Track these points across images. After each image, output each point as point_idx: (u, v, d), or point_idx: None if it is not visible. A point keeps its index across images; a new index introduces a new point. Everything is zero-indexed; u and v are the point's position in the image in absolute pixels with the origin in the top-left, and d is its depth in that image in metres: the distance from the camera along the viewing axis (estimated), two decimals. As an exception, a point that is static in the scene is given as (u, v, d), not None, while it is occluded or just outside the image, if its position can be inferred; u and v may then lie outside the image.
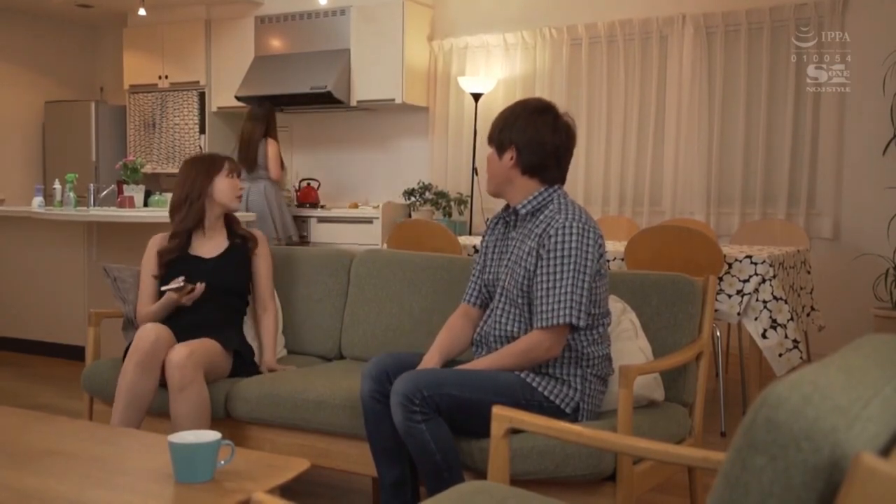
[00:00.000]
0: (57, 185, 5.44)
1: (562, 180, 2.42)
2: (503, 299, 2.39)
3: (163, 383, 2.71)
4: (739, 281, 3.72)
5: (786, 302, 3.70)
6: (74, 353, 5.04)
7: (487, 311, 2.46)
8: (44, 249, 5.37)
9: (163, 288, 2.92)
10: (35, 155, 8.11)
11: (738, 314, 3.72)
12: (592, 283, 2.27)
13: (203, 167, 3.10)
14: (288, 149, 7.44)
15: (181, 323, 2.88)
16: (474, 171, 6.32)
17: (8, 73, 7.86)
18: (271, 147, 6.04)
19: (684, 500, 2.73)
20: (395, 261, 3.18)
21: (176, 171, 7.41)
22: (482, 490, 1.73)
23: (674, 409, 2.53)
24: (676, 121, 5.83)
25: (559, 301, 2.23)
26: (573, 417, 2.30)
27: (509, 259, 2.40)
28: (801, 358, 3.68)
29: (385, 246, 4.90)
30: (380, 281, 3.15)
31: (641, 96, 5.95)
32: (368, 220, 6.46)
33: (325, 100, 6.66)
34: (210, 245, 3.08)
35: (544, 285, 2.26)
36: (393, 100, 6.54)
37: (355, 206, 6.82)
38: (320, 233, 6.63)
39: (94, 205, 5.49)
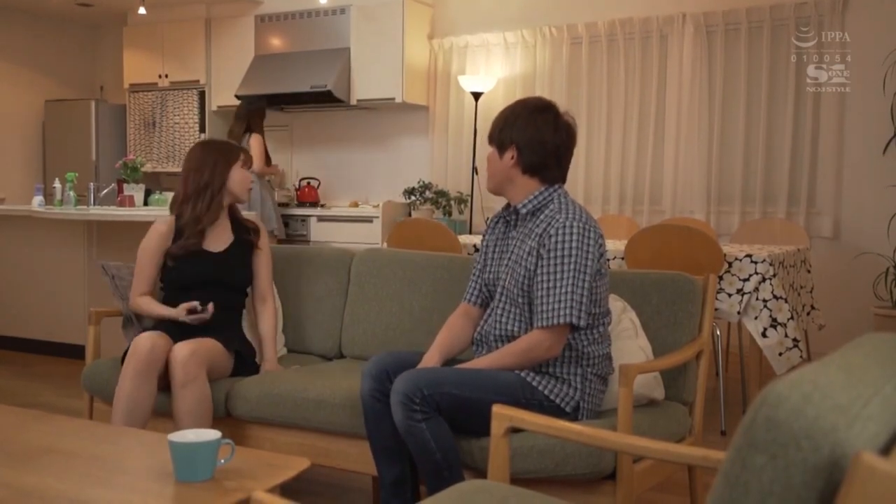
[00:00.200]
0: (57, 184, 5.44)
1: (562, 179, 2.42)
2: (503, 299, 2.39)
3: (161, 387, 2.70)
4: (739, 280, 3.72)
5: (786, 301, 3.70)
6: (74, 352, 5.04)
7: (488, 311, 2.46)
8: (44, 248, 5.37)
9: (184, 318, 2.84)
10: (35, 154, 8.11)
11: (739, 313, 3.72)
12: (593, 283, 2.27)
13: (223, 155, 3.01)
14: (288, 148, 7.44)
15: (183, 322, 2.86)
16: (474, 170, 6.32)
17: (8, 72, 7.86)
18: (254, 141, 6.08)
19: (684, 499, 2.73)
20: (395, 260, 3.18)
21: (176, 169, 7.44)
22: (482, 489, 1.73)
23: (674, 407, 2.53)
24: (677, 120, 5.83)
25: (559, 301, 2.23)
26: (573, 416, 2.30)
27: (510, 258, 2.40)
28: (801, 357, 3.68)
29: (385, 245, 4.90)
30: (380, 280, 3.15)
31: (642, 95, 5.94)
32: (368, 219, 6.46)
33: (325, 99, 6.66)
34: (217, 238, 3.01)
35: (545, 285, 2.26)
36: (393, 99, 6.54)
37: (355, 205, 6.82)
38: (320, 232, 6.63)
39: (94, 204, 5.49)
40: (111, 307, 3.19)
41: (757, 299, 3.69)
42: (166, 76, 7.59)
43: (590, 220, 2.31)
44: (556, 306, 2.23)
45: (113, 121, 7.85)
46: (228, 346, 2.84)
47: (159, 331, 2.80)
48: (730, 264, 3.74)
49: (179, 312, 2.86)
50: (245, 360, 2.92)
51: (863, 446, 0.88)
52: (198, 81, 7.46)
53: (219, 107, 7.36)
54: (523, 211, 2.38)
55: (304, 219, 6.70)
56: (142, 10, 6.95)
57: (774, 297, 3.67)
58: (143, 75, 7.70)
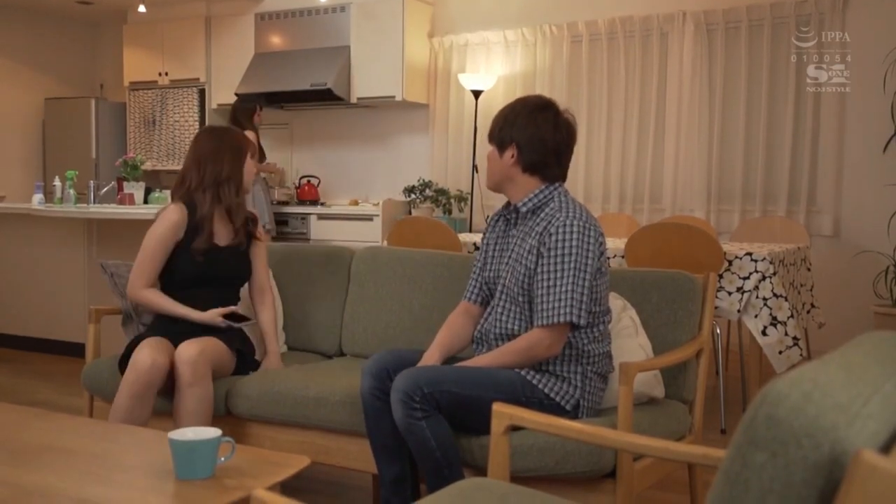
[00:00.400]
0: (57, 182, 5.45)
1: (563, 178, 2.42)
2: (504, 297, 2.39)
3: (160, 391, 2.68)
4: (739, 278, 3.72)
5: (786, 299, 3.70)
6: (74, 350, 5.04)
7: (488, 309, 2.46)
8: (44, 246, 5.37)
9: (220, 323, 2.80)
10: (35, 152, 8.11)
11: (739, 311, 3.72)
12: (593, 282, 2.27)
13: (240, 147, 2.95)
14: (288, 146, 7.44)
15: (186, 322, 2.84)
16: (474, 168, 6.32)
17: (8, 70, 7.86)
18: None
19: (684, 497, 2.73)
20: (395, 258, 3.18)
21: (176, 167, 7.44)
22: (482, 487, 1.73)
23: (674, 406, 2.53)
24: (677, 118, 5.83)
25: (560, 299, 2.23)
26: (573, 414, 2.30)
27: (510, 257, 2.40)
28: (801, 355, 3.68)
29: (385, 243, 4.90)
30: (380, 278, 3.15)
31: (642, 93, 5.94)
32: (368, 218, 6.46)
33: (325, 97, 6.66)
34: (220, 232, 2.95)
35: (545, 283, 2.25)
36: (393, 97, 6.54)
37: (355, 203, 6.82)
38: (320, 230, 6.63)
39: (94, 202, 5.49)
40: (111, 305, 3.19)
41: (757, 297, 3.69)
42: (166, 74, 7.59)
43: (590, 219, 2.31)
44: (557, 305, 2.23)
45: (113, 119, 7.85)
46: (231, 344, 2.83)
47: (157, 336, 2.75)
48: (730, 262, 3.74)
49: (213, 318, 2.80)
50: (245, 358, 2.92)
51: (863, 444, 0.88)
52: (198, 79, 7.46)
53: (219, 105, 7.36)
54: (523, 209, 2.38)
55: (304, 217, 6.69)
56: (142, 8, 6.95)
57: (774, 295, 3.67)
58: (143, 73, 7.70)
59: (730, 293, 3.73)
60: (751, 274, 3.70)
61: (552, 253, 2.26)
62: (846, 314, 5.09)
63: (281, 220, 6.67)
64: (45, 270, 5.37)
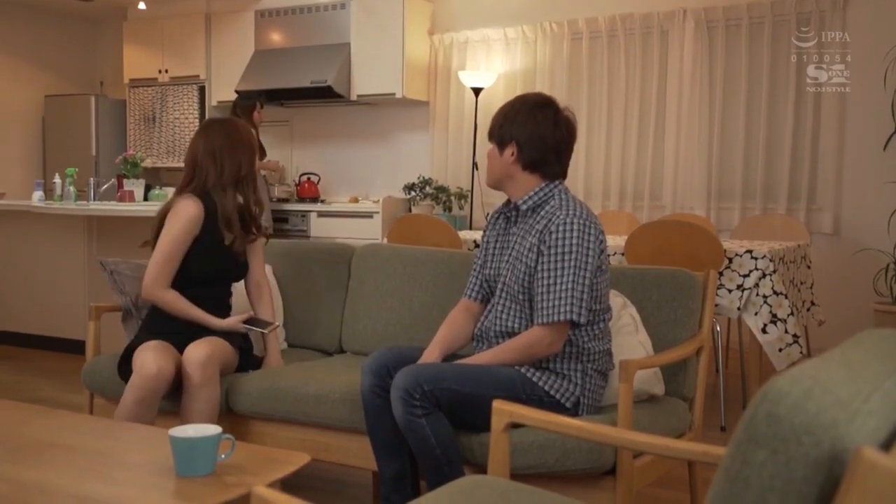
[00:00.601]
0: (57, 180, 5.44)
1: (563, 175, 2.42)
2: (504, 295, 2.39)
3: (164, 394, 2.68)
4: (740, 276, 3.72)
5: (786, 297, 3.70)
6: (74, 348, 5.04)
7: (488, 307, 2.46)
8: (44, 244, 5.37)
9: (241, 329, 2.79)
10: (35, 149, 8.11)
11: (739, 309, 3.72)
12: (593, 279, 2.27)
13: (253, 146, 2.90)
14: (288, 143, 7.44)
15: (182, 320, 2.82)
16: (475, 165, 6.31)
17: (8, 66, 7.85)
18: None
19: (684, 495, 2.73)
20: (395, 255, 3.18)
21: (178, 165, 7.45)
22: (482, 484, 1.74)
23: (674, 403, 2.53)
24: (677, 115, 5.83)
25: (560, 297, 2.23)
26: (573, 412, 2.30)
27: (510, 255, 2.40)
28: (801, 353, 3.68)
29: (385, 240, 4.90)
30: (380, 275, 3.15)
31: (642, 91, 5.94)
32: (368, 215, 6.46)
33: (325, 94, 6.65)
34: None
35: (545, 281, 2.25)
36: (393, 94, 6.53)
37: (355, 200, 6.81)
38: (320, 227, 6.63)
39: (94, 199, 5.50)
40: (111, 302, 3.19)
41: (757, 295, 3.69)
42: (166, 71, 7.58)
43: (590, 217, 2.31)
44: (557, 303, 2.23)
45: (113, 116, 7.85)
46: (234, 343, 2.83)
47: (155, 337, 2.72)
48: (730, 260, 3.74)
49: (235, 325, 2.78)
50: (247, 355, 2.92)
51: (863, 441, 0.88)
52: (198, 77, 7.46)
53: (219, 102, 7.36)
54: (524, 207, 2.38)
55: (304, 214, 6.69)
56: (142, 5, 6.95)
57: (774, 293, 3.67)
58: (143, 70, 7.69)
59: (730, 291, 3.73)
60: (751, 271, 3.70)
61: (552, 251, 2.26)
62: (846, 312, 5.09)
63: (281, 218, 6.67)
64: (45, 268, 5.37)
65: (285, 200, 6.88)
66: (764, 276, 3.68)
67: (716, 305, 3.58)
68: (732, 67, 5.65)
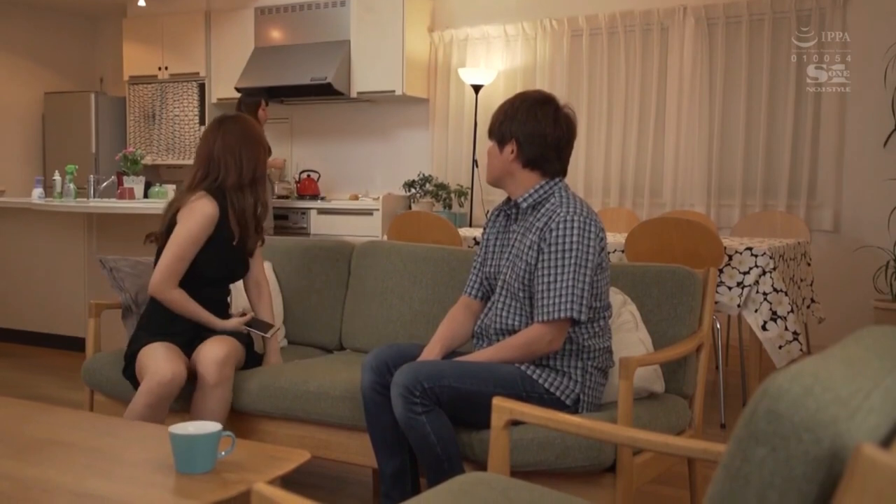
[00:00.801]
0: (57, 177, 5.44)
1: (563, 173, 2.41)
2: (504, 292, 2.39)
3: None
4: (740, 273, 3.72)
5: (786, 294, 3.70)
6: (75, 345, 5.04)
7: (488, 304, 2.46)
8: (44, 241, 5.37)
9: (243, 330, 2.79)
10: (35, 146, 8.11)
11: (739, 306, 3.72)
12: (594, 277, 2.27)
13: (263, 139, 2.88)
14: (288, 140, 7.43)
15: (184, 319, 2.80)
16: (475, 162, 6.31)
17: (7, 63, 7.84)
18: None
19: (684, 492, 2.73)
20: (395, 252, 3.18)
21: (177, 162, 7.45)
22: (482, 481, 1.74)
23: (674, 400, 2.53)
24: (677, 112, 5.82)
25: (560, 295, 2.23)
26: (573, 409, 2.30)
27: (510, 252, 2.40)
28: (800, 350, 3.68)
29: (385, 238, 4.90)
30: (380, 272, 3.15)
31: (642, 88, 5.94)
32: (368, 212, 6.46)
33: (325, 91, 6.65)
34: (235, 229, 2.89)
35: (545, 279, 2.25)
36: (393, 91, 6.53)
37: (355, 197, 6.81)
38: (320, 224, 6.62)
39: (94, 196, 5.49)
40: (111, 299, 3.19)
41: (757, 292, 3.70)
42: (166, 68, 7.58)
43: (591, 214, 2.31)
44: (557, 301, 2.23)
45: (113, 113, 7.84)
46: (241, 342, 2.83)
47: (164, 341, 2.69)
48: (730, 257, 3.74)
49: (238, 327, 2.79)
50: (248, 353, 2.91)
51: (863, 438, 0.88)
52: (198, 74, 7.45)
53: (219, 99, 7.35)
54: (524, 205, 2.38)
55: (304, 211, 6.69)
56: (141, 2, 6.94)
57: (774, 290, 3.67)
58: (143, 67, 7.69)
59: (730, 288, 3.73)
60: (751, 269, 3.70)
61: (553, 248, 2.26)
62: (846, 309, 5.09)
63: (281, 215, 6.67)
64: (45, 265, 5.37)
65: (285, 197, 6.87)
66: (764, 273, 3.68)
67: (716, 303, 3.58)
68: (732, 64, 5.64)
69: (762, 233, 4.83)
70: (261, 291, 3.01)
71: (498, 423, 1.96)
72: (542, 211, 2.34)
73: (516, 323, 2.35)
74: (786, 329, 3.67)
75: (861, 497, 0.79)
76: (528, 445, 2.17)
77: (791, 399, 0.89)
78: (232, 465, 1.85)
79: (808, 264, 4.40)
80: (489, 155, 2.43)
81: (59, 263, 5.30)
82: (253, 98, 6.06)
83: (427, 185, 6.51)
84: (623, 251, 3.88)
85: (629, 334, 2.48)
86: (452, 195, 6.47)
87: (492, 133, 2.41)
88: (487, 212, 5.50)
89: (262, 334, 2.86)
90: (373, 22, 6.58)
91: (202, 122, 7.42)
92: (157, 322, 2.80)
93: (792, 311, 3.70)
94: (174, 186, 5.89)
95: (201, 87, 7.44)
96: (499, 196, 2.63)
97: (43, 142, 8.11)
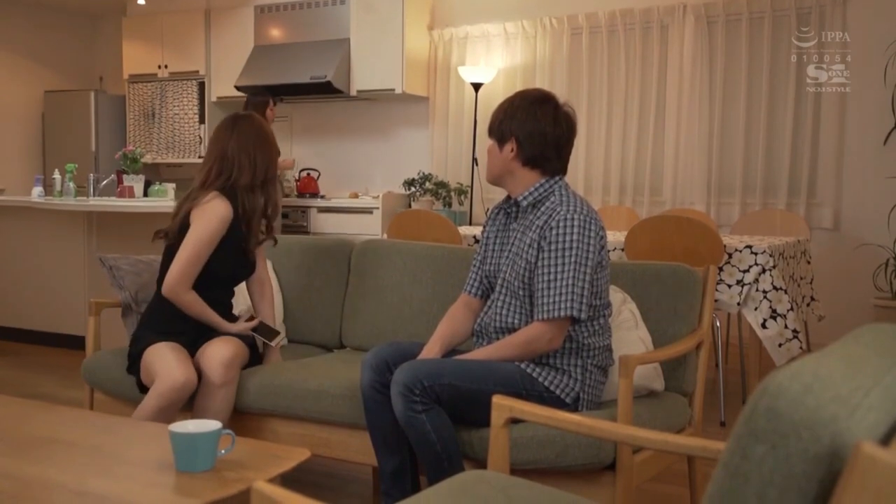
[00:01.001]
0: (57, 175, 5.44)
1: (563, 171, 2.41)
2: (504, 291, 2.39)
3: None
4: (739, 271, 3.72)
5: (786, 292, 3.70)
6: (75, 343, 5.04)
7: (488, 303, 2.46)
8: (44, 239, 5.37)
9: (248, 332, 2.78)
10: (34, 145, 8.10)
11: (738, 304, 3.72)
12: (594, 275, 2.27)
13: (273, 138, 2.87)
14: (288, 138, 7.43)
15: (188, 319, 2.79)
16: (474, 161, 6.31)
17: (7, 62, 7.84)
18: None
19: (684, 490, 2.73)
20: (395, 251, 3.18)
21: (177, 160, 7.45)
22: (482, 479, 1.74)
23: (673, 398, 2.53)
24: (677, 110, 5.82)
25: (560, 294, 2.23)
26: (573, 407, 2.31)
27: (510, 251, 2.40)
28: (800, 348, 3.68)
29: (385, 236, 4.90)
30: (380, 271, 3.15)
31: (642, 86, 5.93)
32: (368, 210, 6.46)
33: (324, 89, 6.64)
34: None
35: (546, 277, 2.25)
36: (393, 89, 6.52)
37: (355, 196, 6.81)
38: (320, 223, 6.62)
39: (94, 195, 5.49)
40: (111, 298, 3.19)
41: (757, 290, 3.69)
42: (166, 67, 7.57)
43: (591, 213, 2.31)
44: (557, 299, 2.23)
45: (112, 112, 7.84)
46: (245, 342, 2.82)
47: (169, 341, 2.68)
48: (730, 255, 3.74)
49: (245, 330, 2.78)
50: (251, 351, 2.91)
51: (863, 436, 0.88)
52: (197, 72, 7.45)
53: (218, 98, 7.35)
54: (524, 203, 2.38)
55: (305, 210, 6.69)
56: (141, 1, 6.93)
57: (774, 288, 3.67)
58: (143, 66, 7.68)
59: (730, 286, 3.73)
60: (751, 267, 3.70)
61: (553, 247, 2.26)
62: (846, 307, 5.09)
63: (281, 213, 6.66)
64: (45, 263, 5.37)
65: (285, 196, 6.87)
66: (764, 271, 3.69)
67: (715, 301, 3.58)
68: (732, 62, 5.64)
69: (762, 231, 4.83)
70: (263, 290, 3.01)
71: (498, 421, 1.96)
72: (543, 209, 2.34)
73: (516, 321, 2.35)
74: (785, 327, 3.67)
75: (860, 494, 0.80)
76: (527, 443, 2.17)
77: (791, 397, 0.89)
78: (232, 464, 1.86)
79: (808, 262, 4.40)
80: (489, 153, 2.43)
81: (58, 262, 5.30)
82: (261, 97, 6.03)
83: (427, 183, 6.50)
84: (623, 249, 3.88)
85: (629, 332, 2.48)
86: (452, 193, 6.47)
87: (491, 131, 2.41)
88: (487, 210, 5.50)
89: (267, 342, 2.86)
90: (372, 20, 6.58)
91: (202, 120, 7.42)
92: (161, 320, 2.79)
93: (792, 309, 3.70)
94: (174, 185, 5.90)
95: (201, 86, 7.44)
96: (499, 194, 2.63)
97: (43, 140, 8.10)
